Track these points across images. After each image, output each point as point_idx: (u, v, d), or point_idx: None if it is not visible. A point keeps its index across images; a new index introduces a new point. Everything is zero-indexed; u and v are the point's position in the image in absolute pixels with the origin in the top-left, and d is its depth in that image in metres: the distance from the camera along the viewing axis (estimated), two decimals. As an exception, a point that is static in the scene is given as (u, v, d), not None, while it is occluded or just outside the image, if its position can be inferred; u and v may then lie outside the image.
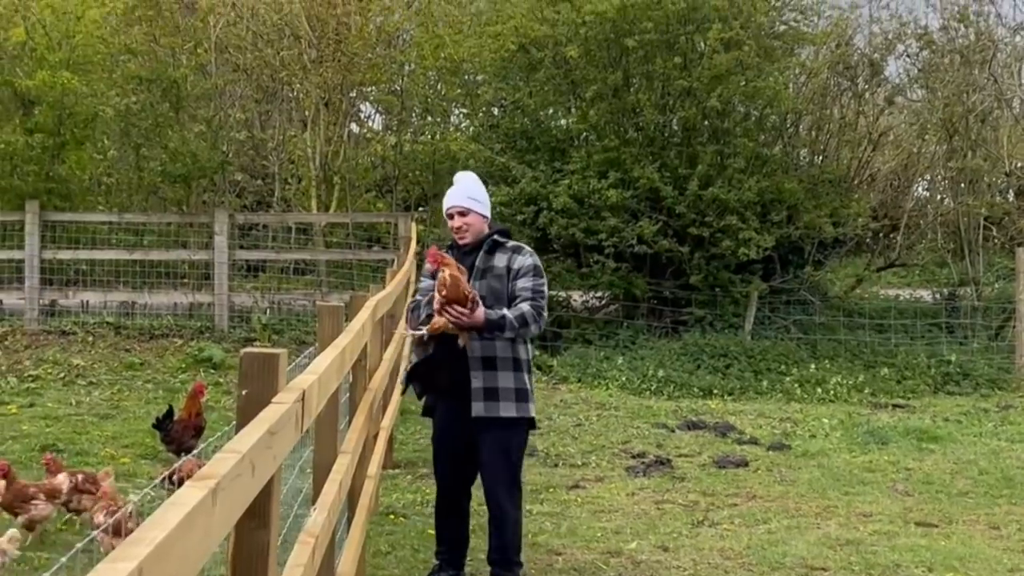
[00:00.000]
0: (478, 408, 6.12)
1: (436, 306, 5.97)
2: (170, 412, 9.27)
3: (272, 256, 17.51)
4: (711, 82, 16.03)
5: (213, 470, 2.00)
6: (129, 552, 1.51)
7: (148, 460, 9.69)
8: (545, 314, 6.24)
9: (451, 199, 6.44)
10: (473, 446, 6.27)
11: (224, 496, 1.97)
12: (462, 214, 6.37)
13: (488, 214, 6.49)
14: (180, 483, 6.26)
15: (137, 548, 1.53)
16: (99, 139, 18.04)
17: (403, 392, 6.80)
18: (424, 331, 6.09)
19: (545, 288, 6.30)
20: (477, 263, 6.28)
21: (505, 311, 6.07)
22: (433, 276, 6.17)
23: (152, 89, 17.14)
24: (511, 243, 6.41)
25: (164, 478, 6.64)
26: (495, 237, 6.38)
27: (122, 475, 8.85)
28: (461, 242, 6.36)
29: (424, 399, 6.60)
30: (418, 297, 6.41)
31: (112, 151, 18.54)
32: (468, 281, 6.05)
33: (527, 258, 6.28)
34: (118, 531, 5.90)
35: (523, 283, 6.19)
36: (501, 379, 6.15)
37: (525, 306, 6.10)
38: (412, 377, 6.50)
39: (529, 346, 6.40)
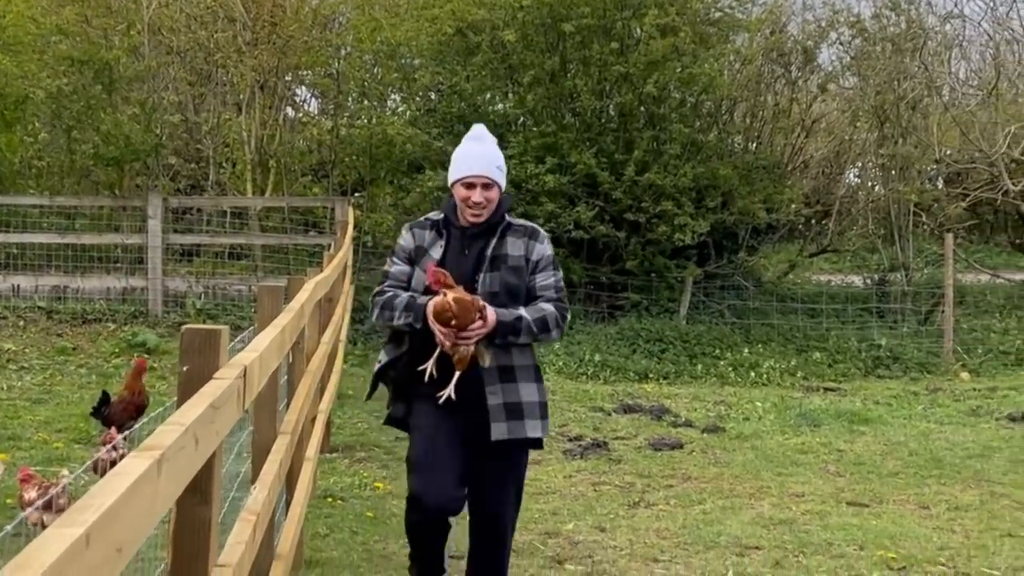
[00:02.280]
0: (499, 430, 4.90)
1: (448, 343, 4.78)
2: (105, 398, 9.12)
3: (207, 240, 17.35)
4: (647, 68, 16.12)
5: (158, 441, 2.00)
6: (76, 518, 1.52)
7: (81, 445, 9.60)
8: (568, 315, 5.10)
9: (475, 165, 5.02)
10: (467, 465, 5.02)
11: (169, 467, 1.98)
12: (487, 187, 5.00)
13: (504, 186, 5.16)
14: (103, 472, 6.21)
15: (84, 515, 1.53)
16: (30, 121, 17.79)
17: (368, 397, 5.46)
18: (451, 392, 4.85)
19: (562, 281, 5.16)
20: (488, 251, 5.01)
21: (522, 311, 4.92)
22: (410, 261, 5.04)
23: (84, 71, 16.91)
24: (522, 223, 5.19)
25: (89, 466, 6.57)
26: (508, 219, 5.13)
27: (56, 460, 8.78)
28: (474, 220, 5.00)
29: (391, 407, 5.25)
30: (388, 288, 5.04)
31: (43, 133, 18.30)
32: (479, 272, 4.96)
33: (547, 246, 5.10)
34: (49, 506, 5.87)
35: (544, 279, 5.01)
36: (524, 392, 4.98)
37: (549, 307, 4.95)
38: (381, 380, 5.23)
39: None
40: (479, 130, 5.20)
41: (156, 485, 1.87)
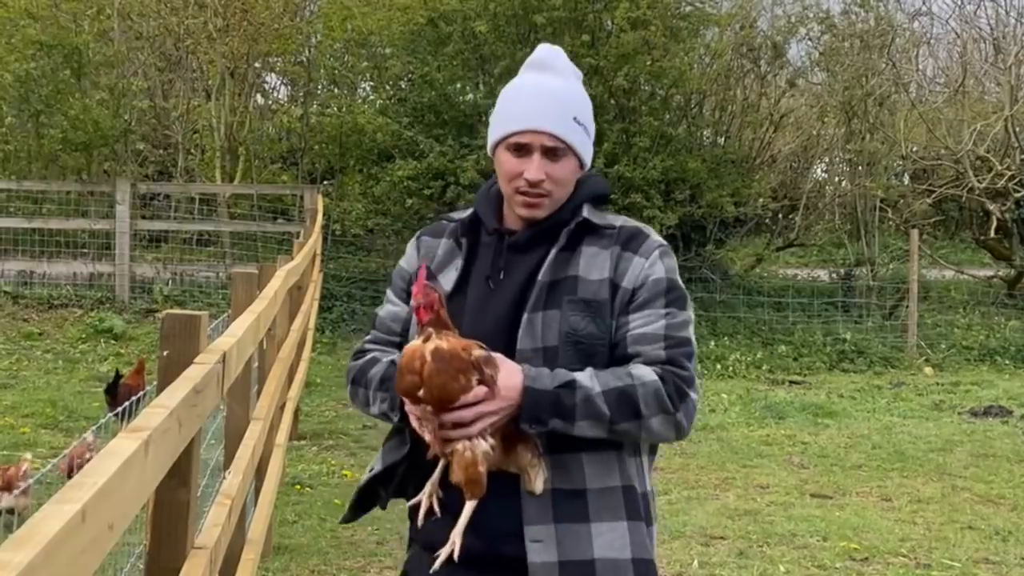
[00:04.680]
0: None
1: (428, 437, 2.51)
2: (118, 376, 9.23)
3: (175, 227, 17.30)
4: (618, 61, 16.18)
5: (145, 423, 2.04)
6: (73, 495, 1.56)
7: (48, 430, 9.60)
8: (694, 395, 2.64)
9: (532, 111, 2.67)
10: None
11: (155, 449, 2.02)
12: (551, 153, 2.66)
13: (589, 159, 2.78)
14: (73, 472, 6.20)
15: (80, 492, 1.58)
16: (-3, 105, 17.67)
17: (345, 520, 3.01)
18: (455, 544, 2.49)
19: (691, 332, 2.69)
20: (541, 273, 2.67)
21: (582, 374, 2.56)
22: (407, 295, 2.68)
23: (53, 55, 16.81)
24: (617, 221, 2.81)
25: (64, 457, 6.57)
26: (586, 215, 2.75)
27: (22, 445, 8.76)
28: (529, 214, 2.71)
29: (409, 549, 2.87)
30: (369, 345, 2.84)
31: (10, 118, 18.16)
32: (521, 311, 2.62)
33: (657, 263, 2.69)
34: (8, 488, 5.88)
35: (644, 322, 2.63)
36: (600, 539, 2.64)
37: (644, 373, 2.58)
38: (368, 499, 2.90)
39: (649, 460, 2.80)
40: (547, 53, 2.78)
41: (144, 465, 1.92)
